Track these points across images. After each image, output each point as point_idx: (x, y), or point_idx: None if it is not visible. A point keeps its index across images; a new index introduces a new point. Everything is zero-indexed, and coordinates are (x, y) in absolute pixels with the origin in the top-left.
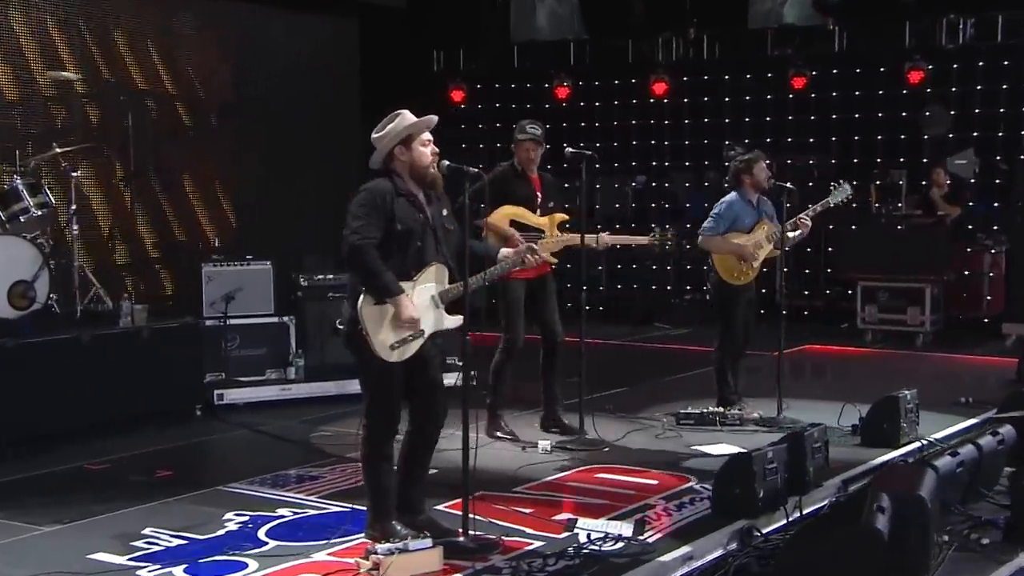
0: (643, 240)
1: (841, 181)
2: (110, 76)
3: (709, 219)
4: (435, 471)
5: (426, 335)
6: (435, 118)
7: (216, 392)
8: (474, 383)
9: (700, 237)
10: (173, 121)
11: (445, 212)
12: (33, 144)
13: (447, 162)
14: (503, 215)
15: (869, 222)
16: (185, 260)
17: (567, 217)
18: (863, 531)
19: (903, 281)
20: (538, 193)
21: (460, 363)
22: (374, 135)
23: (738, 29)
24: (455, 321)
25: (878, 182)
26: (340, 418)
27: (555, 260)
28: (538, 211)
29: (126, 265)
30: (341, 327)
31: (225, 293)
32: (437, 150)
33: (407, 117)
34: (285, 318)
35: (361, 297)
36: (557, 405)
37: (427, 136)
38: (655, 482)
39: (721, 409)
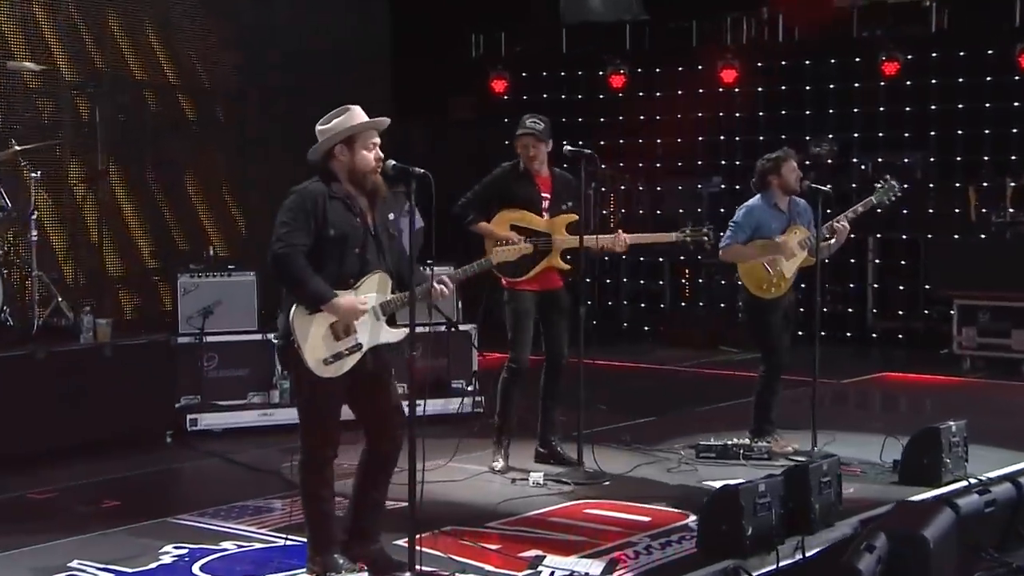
0: (669, 238)
1: (888, 177)
2: (102, 64)
3: (728, 229)
4: (406, 504)
5: (364, 349)
6: (386, 120)
7: (190, 417)
8: (481, 409)
9: (720, 251)
10: (174, 114)
11: (392, 216)
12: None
13: (392, 162)
14: (503, 220)
15: (969, 231)
16: (161, 271)
17: (575, 217)
18: (843, 571)
19: (1008, 300)
20: (544, 194)
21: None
22: (319, 126)
23: (819, 7)
24: (398, 334)
25: (984, 184)
26: None
27: (567, 267)
28: (545, 214)
29: (99, 276)
30: (276, 341)
31: (203, 307)
32: (382, 155)
33: (356, 114)
34: (270, 335)
35: (293, 308)
36: (553, 433)
37: (374, 139)
38: (647, 519)
39: (747, 441)
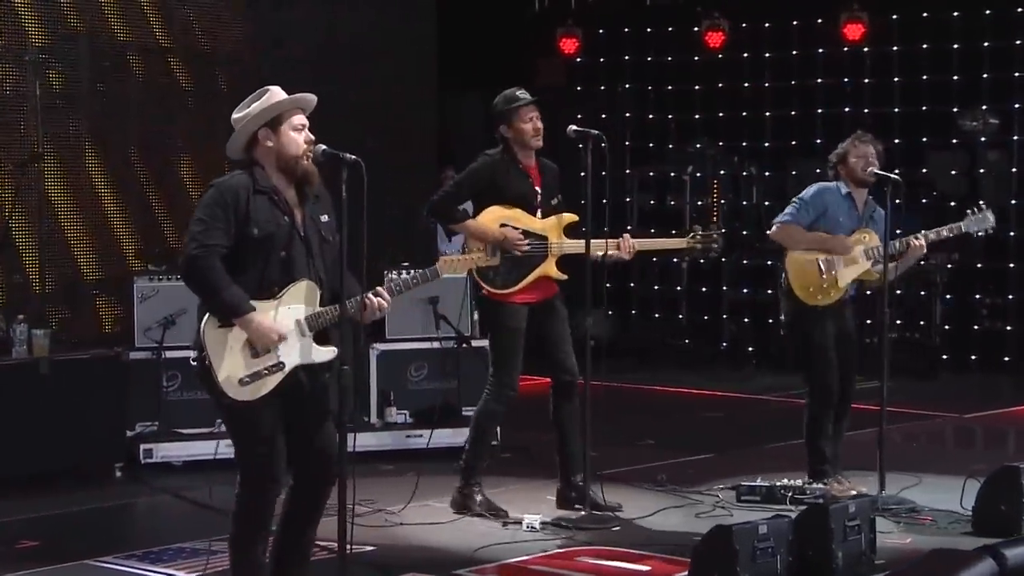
0: (678, 244)
1: (983, 205)
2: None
3: (789, 205)
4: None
5: (287, 369)
6: (312, 97)
7: (144, 447)
8: (496, 441)
9: (773, 226)
10: (166, 83)
11: (325, 218)
12: None
13: (323, 147)
14: (494, 217)
15: None
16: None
17: (574, 218)
18: None
19: None
20: (537, 188)
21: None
22: (235, 115)
23: None
24: (327, 353)
25: None
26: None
27: (563, 276)
28: (538, 212)
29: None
30: (194, 363)
31: (163, 317)
32: (312, 138)
33: (276, 94)
34: None
35: (206, 319)
36: (576, 470)
37: (300, 119)
38: (647, 568)
39: (799, 483)
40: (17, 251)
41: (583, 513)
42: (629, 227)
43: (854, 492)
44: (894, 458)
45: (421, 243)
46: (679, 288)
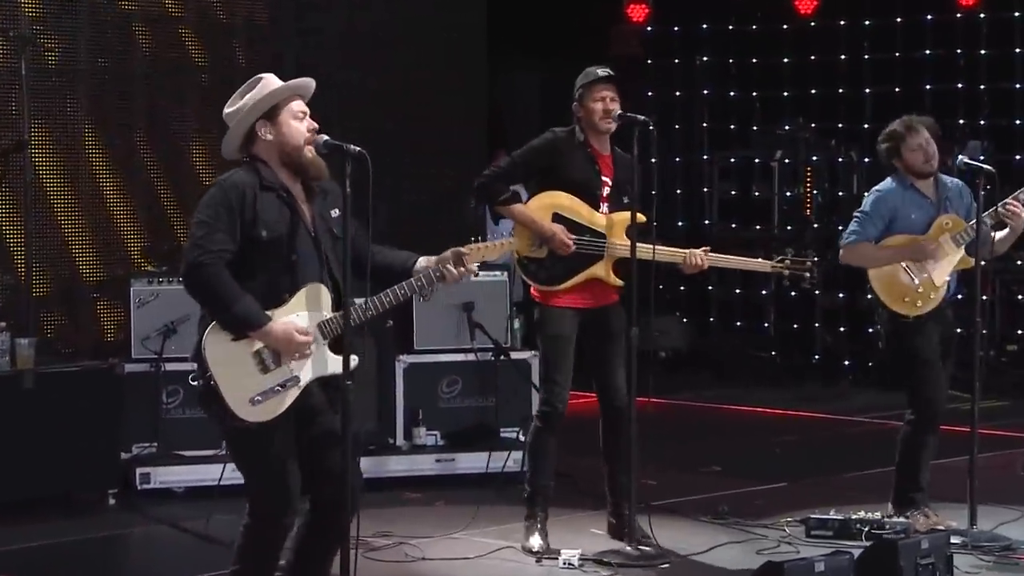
0: (763, 267)
1: None
2: None
3: (852, 222)
4: None
5: (303, 383)
6: (311, 82)
7: (140, 471)
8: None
9: (841, 250)
10: (176, 57)
11: (335, 212)
12: None
13: (325, 137)
14: (544, 205)
15: None
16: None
17: (643, 219)
18: None
19: None
20: (605, 178)
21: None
22: (226, 110)
23: None
24: (341, 363)
25: None
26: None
27: (619, 282)
28: (602, 205)
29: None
30: (194, 382)
31: (163, 325)
32: (315, 125)
33: (271, 82)
34: None
35: (207, 333)
36: (626, 502)
37: (300, 106)
38: None
39: (878, 515)
40: (6, 249)
41: (628, 549)
42: (707, 246)
43: (941, 526)
44: (1001, 489)
45: (470, 237)
46: (765, 292)
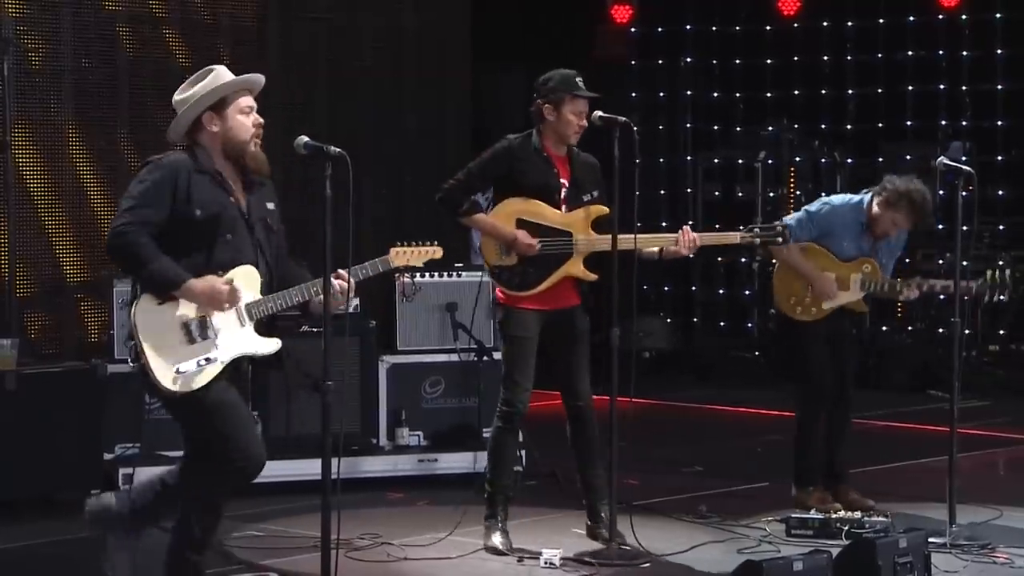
0: (732, 238)
1: (1003, 266)
2: None
3: (795, 216)
4: None
5: (224, 361)
6: (260, 77)
7: (123, 472)
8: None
9: None
10: (160, 57)
11: (271, 206)
12: None
13: (305, 138)
14: (508, 211)
15: None
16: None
17: (605, 211)
18: None
19: None
20: (563, 180)
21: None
22: (176, 97)
23: None
24: (270, 345)
25: None
26: (289, 513)
27: (591, 276)
28: (563, 206)
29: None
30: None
31: None
32: (261, 120)
33: (222, 74)
34: None
35: (137, 301)
36: (599, 500)
37: (248, 101)
38: None
39: (858, 515)
40: None
41: (608, 548)
42: (691, 221)
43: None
44: (982, 488)
45: (456, 237)
46: (748, 293)
